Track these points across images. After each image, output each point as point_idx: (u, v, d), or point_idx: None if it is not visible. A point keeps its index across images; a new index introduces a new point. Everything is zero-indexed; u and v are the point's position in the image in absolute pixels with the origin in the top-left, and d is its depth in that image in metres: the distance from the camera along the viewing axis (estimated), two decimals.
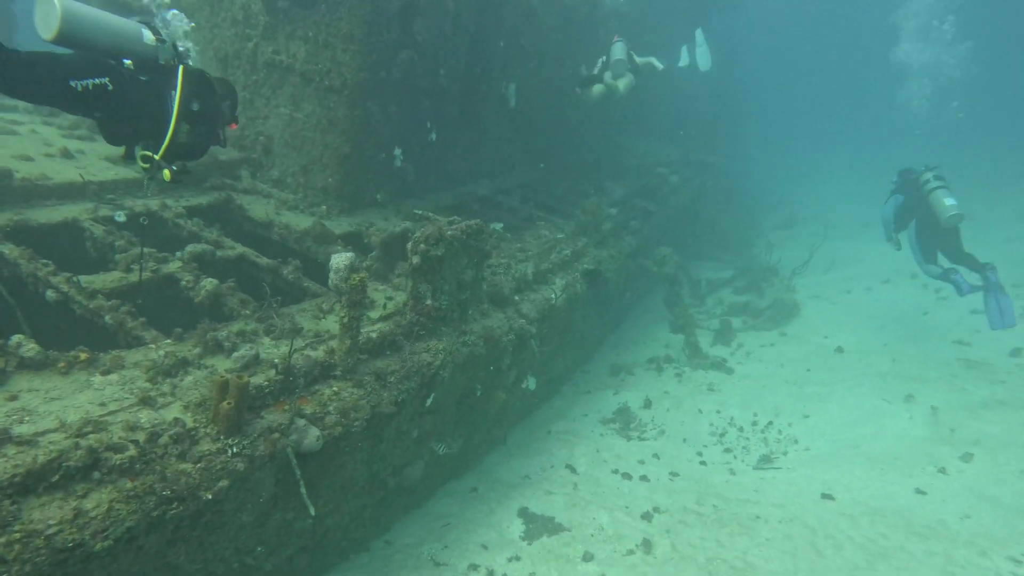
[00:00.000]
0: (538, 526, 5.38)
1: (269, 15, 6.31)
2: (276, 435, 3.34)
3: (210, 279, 4.45)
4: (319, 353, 4.00)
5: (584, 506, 5.58)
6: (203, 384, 3.40)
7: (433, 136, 7.85)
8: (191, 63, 3.99)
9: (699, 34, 13.31)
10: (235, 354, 3.73)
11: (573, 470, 6.19)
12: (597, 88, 9.59)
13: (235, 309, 4.41)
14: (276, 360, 3.68)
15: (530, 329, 5.77)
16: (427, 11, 6.83)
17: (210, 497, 2.99)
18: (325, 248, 5.86)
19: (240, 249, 5.31)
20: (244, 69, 6.70)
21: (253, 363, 3.78)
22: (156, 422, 3.01)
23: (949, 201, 8.06)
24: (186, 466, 2.93)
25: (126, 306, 3.85)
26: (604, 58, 9.95)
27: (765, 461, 6.21)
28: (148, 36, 3.72)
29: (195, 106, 3.80)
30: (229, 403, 3.11)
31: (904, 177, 8.91)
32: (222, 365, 3.72)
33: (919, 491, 5.59)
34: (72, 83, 3.34)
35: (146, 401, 3.14)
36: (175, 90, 3.73)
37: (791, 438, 6.65)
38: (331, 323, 4.47)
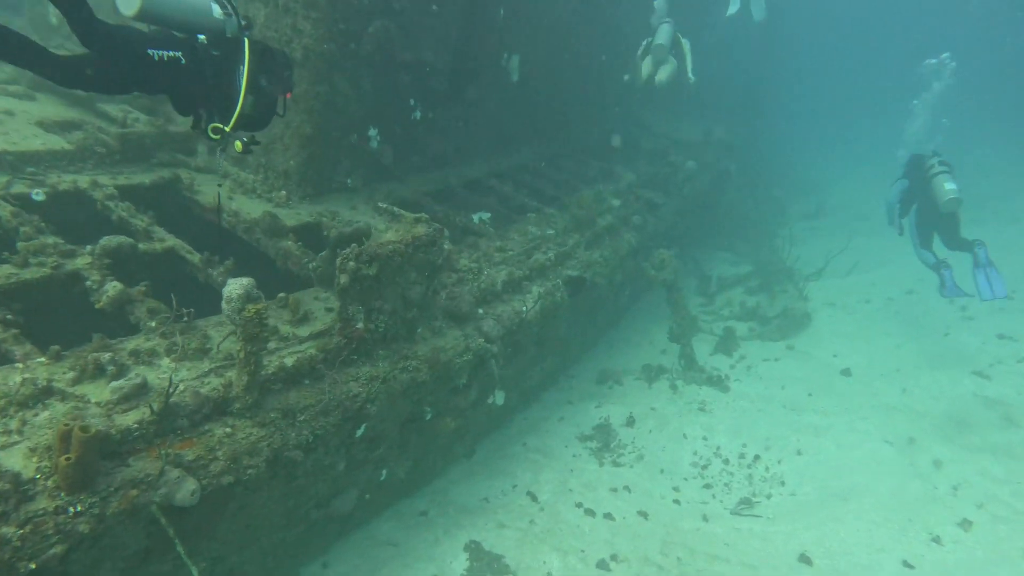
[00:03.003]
0: (483, 565, 4.92)
1: None
2: (135, 492, 2.86)
3: (114, 283, 3.95)
4: (216, 383, 3.51)
5: (537, 545, 5.10)
6: (60, 421, 2.92)
7: (417, 114, 7.19)
8: (251, 35, 4.05)
9: None
10: (113, 383, 3.24)
11: (534, 498, 5.70)
12: (646, 67, 8.85)
13: (142, 319, 3.92)
14: (161, 391, 3.19)
15: (490, 348, 5.20)
16: None
17: (34, 567, 2.55)
18: (275, 242, 5.32)
19: (171, 241, 4.80)
20: None
21: (136, 394, 3.29)
22: None
23: (949, 185, 8.04)
24: (7, 530, 2.48)
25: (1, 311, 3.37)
26: (648, 40, 9.13)
27: (745, 505, 5.63)
28: (216, 10, 3.83)
29: (263, 81, 3.94)
30: (68, 458, 2.63)
31: (913, 162, 8.88)
32: (98, 395, 3.24)
33: (907, 564, 4.98)
34: (150, 51, 3.52)
35: None
36: (243, 64, 3.84)
37: (778, 478, 6.04)
38: None
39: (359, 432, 4.18)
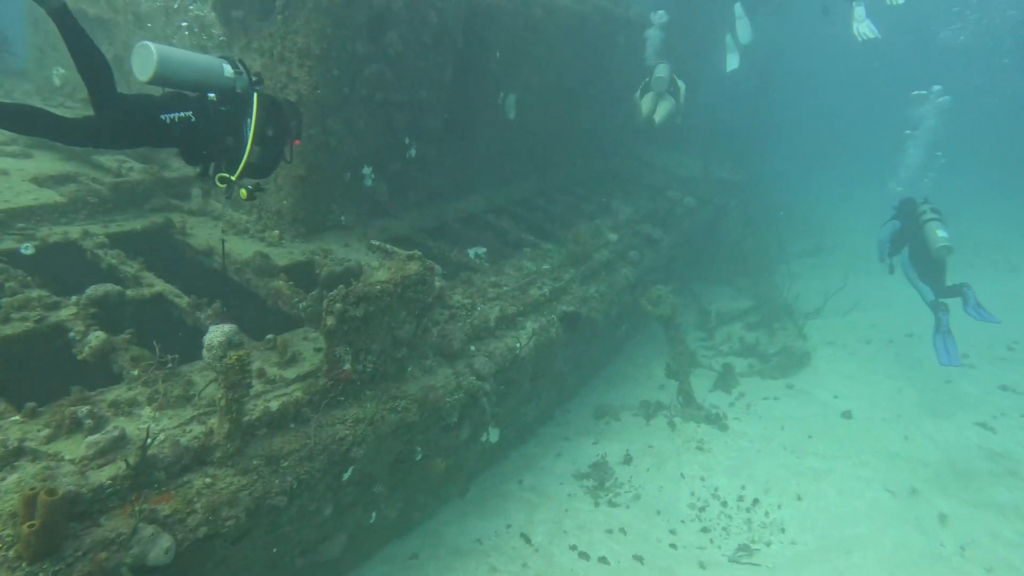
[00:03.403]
0: None
1: (224, 26, 5.75)
2: (104, 554, 2.79)
3: (97, 333, 3.92)
4: (198, 431, 3.45)
5: None
6: (29, 484, 2.87)
7: (412, 152, 7.23)
8: (261, 89, 4.20)
9: (738, 7, 12.52)
10: (89, 438, 3.19)
11: (528, 540, 5.57)
12: (646, 103, 9.02)
13: (126, 368, 3.88)
14: (138, 444, 3.13)
15: (482, 387, 5.13)
16: (403, 23, 6.18)
17: None
18: (266, 282, 5.31)
19: (159, 287, 4.77)
20: None
21: (113, 448, 3.23)
22: None
23: (941, 232, 8.24)
24: None
25: None
26: (647, 80, 9.31)
27: (744, 552, 5.48)
28: (228, 70, 3.99)
29: (270, 132, 4.11)
30: (32, 525, 2.56)
31: (904, 205, 9.07)
32: (72, 451, 3.19)
33: None
34: (162, 116, 3.70)
35: None
36: (251, 117, 4.01)
37: (778, 524, 5.89)
38: None
39: (346, 475, 4.10)
